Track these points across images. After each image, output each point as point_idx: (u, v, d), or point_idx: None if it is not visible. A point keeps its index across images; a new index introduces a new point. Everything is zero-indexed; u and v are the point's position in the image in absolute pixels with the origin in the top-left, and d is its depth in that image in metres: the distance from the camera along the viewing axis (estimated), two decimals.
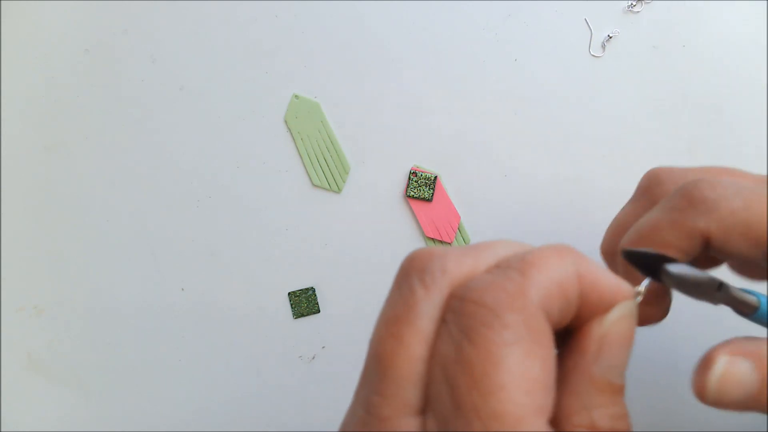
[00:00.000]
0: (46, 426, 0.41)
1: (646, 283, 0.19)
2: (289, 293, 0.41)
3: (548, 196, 0.40)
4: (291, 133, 0.41)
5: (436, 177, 0.40)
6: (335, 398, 0.40)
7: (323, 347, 0.41)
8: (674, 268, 0.20)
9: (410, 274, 0.17)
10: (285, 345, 0.41)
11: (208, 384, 0.41)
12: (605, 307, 0.17)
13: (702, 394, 0.20)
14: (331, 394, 0.40)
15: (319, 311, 0.41)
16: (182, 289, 0.41)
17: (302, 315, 0.41)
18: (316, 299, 0.41)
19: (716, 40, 0.40)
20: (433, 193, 0.40)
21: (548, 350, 0.15)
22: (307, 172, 0.41)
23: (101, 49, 0.42)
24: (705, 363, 0.20)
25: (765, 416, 0.38)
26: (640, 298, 0.18)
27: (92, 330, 0.41)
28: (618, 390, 0.17)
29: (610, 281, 0.17)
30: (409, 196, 0.40)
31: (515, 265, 0.16)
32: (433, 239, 0.40)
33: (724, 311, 0.38)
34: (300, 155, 0.41)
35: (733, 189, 0.20)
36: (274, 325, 0.41)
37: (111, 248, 0.42)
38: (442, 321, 0.16)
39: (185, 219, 0.41)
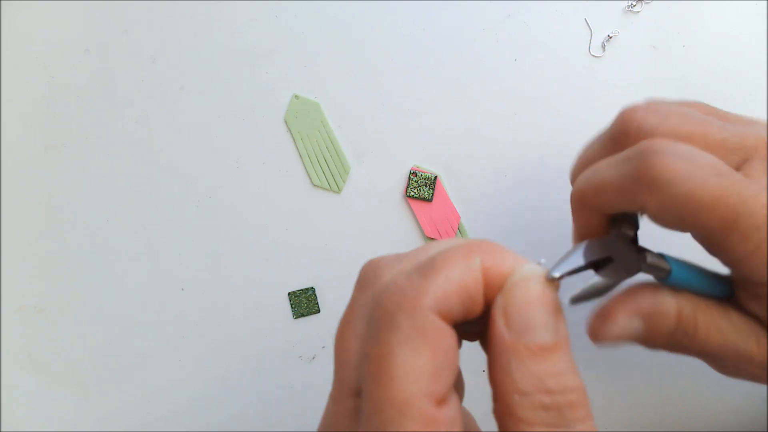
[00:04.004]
0: (46, 426, 0.41)
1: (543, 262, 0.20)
2: (289, 293, 0.41)
3: (548, 196, 0.40)
4: (291, 133, 0.41)
5: (436, 177, 0.40)
6: None
7: (323, 347, 0.41)
8: (576, 296, 0.22)
9: (357, 281, 0.20)
10: (285, 345, 0.41)
11: (208, 384, 0.41)
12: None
13: (595, 338, 0.23)
14: None
15: (319, 311, 0.41)
16: (182, 289, 0.41)
17: (302, 315, 0.41)
18: (316, 299, 0.41)
19: (716, 40, 0.40)
20: (433, 193, 0.40)
21: (438, 344, 0.17)
22: (307, 172, 0.41)
23: (101, 49, 0.42)
24: (604, 315, 0.23)
25: (765, 416, 0.38)
26: (543, 260, 0.19)
27: (92, 330, 0.41)
28: (539, 351, 0.17)
29: (512, 263, 0.19)
30: (409, 196, 0.40)
31: (422, 269, 0.18)
32: (433, 239, 0.40)
33: None
34: (300, 155, 0.41)
35: (687, 171, 0.20)
36: (274, 325, 0.41)
37: (111, 248, 0.42)
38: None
39: (185, 219, 0.41)
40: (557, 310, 0.18)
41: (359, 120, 0.41)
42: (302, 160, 0.41)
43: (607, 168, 0.23)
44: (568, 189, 0.40)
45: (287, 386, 0.41)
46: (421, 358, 0.17)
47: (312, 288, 0.41)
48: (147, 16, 0.42)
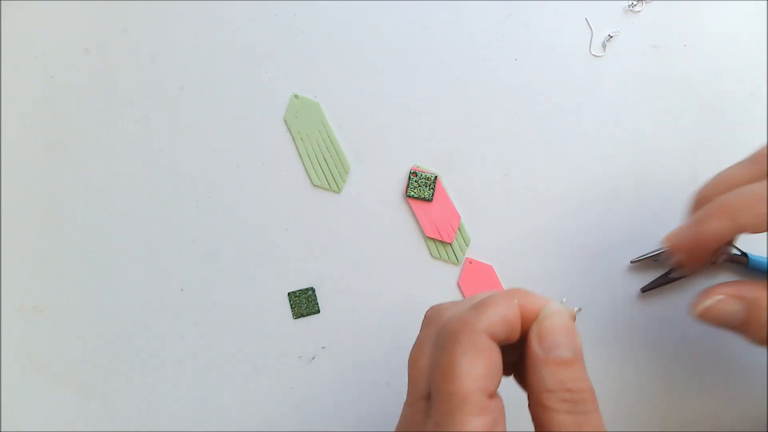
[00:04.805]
0: (46, 426, 0.41)
1: (564, 300, 0.27)
2: (289, 293, 0.41)
3: (548, 196, 0.40)
4: (291, 133, 0.41)
5: (436, 177, 0.40)
6: (335, 398, 0.40)
7: (323, 347, 0.41)
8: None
9: (423, 320, 0.28)
10: (285, 345, 0.41)
11: (208, 384, 0.41)
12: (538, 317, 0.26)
13: (694, 311, 0.30)
14: (331, 394, 0.40)
15: (319, 311, 0.41)
16: (182, 289, 0.41)
17: (302, 315, 0.41)
18: (316, 299, 0.41)
19: (716, 40, 0.40)
20: (433, 193, 0.40)
21: (489, 356, 0.24)
22: (307, 172, 0.41)
23: (101, 49, 0.42)
24: (707, 292, 0.30)
25: (765, 416, 0.38)
26: (564, 299, 0.27)
27: (92, 330, 0.41)
28: (562, 363, 0.24)
29: (542, 303, 0.26)
30: (409, 196, 0.40)
31: (476, 306, 0.25)
32: (433, 239, 0.40)
33: None
34: (300, 155, 0.41)
35: None
36: (273, 325, 0.41)
37: (111, 248, 0.42)
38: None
39: (185, 219, 0.41)
40: (575, 334, 0.25)
41: (359, 120, 0.41)
42: (302, 160, 0.41)
43: (755, 190, 0.29)
44: (569, 189, 0.40)
45: (287, 386, 0.41)
46: (478, 365, 0.23)
47: (312, 288, 0.41)
48: (147, 16, 0.42)
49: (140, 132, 0.42)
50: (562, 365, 0.24)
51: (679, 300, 0.39)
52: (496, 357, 0.24)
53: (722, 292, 0.29)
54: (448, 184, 0.41)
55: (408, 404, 0.26)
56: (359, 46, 0.41)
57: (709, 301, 0.29)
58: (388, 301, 0.40)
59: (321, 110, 0.41)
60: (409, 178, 0.40)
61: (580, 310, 0.26)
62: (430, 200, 0.40)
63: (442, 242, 0.40)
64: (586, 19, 0.40)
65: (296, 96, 0.41)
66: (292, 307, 0.41)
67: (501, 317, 0.25)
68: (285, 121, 0.41)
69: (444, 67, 0.41)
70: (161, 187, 0.42)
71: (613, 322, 0.39)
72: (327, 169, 0.41)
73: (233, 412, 0.41)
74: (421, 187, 0.40)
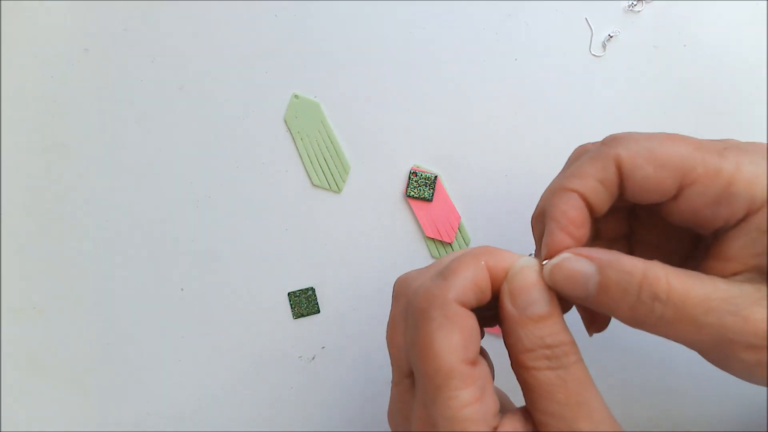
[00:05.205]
0: (46, 426, 0.41)
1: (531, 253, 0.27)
2: (289, 293, 0.41)
3: None
4: (291, 133, 0.41)
5: (436, 177, 0.40)
6: (335, 398, 0.40)
7: (323, 347, 0.41)
8: None
9: (393, 295, 0.27)
10: (285, 345, 0.41)
11: (208, 384, 0.41)
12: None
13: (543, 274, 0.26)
14: (331, 394, 0.40)
15: (319, 311, 0.41)
16: (182, 289, 0.41)
17: (302, 315, 0.41)
18: (316, 299, 0.41)
19: (716, 40, 0.40)
20: (433, 193, 0.40)
21: (463, 325, 0.23)
22: (307, 172, 0.41)
23: (101, 49, 0.42)
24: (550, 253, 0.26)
25: (765, 416, 0.38)
26: (531, 254, 0.27)
27: (92, 330, 0.41)
28: (538, 319, 0.24)
29: (510, 260, 0.25)
30: (409, 196, 0.40)
31: (443, 273, 0.24)
32: (433, 239, 0.40)
33: None
34: (300, 155, 0.41)
35: (641, 134, 0.26)
36: (273, 325, 0.41)
37: (110, 248, 0.42)
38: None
39: (185, 219, 0.41)
40: (547, 288, 0.24)
41: (359, 120, 0.41)
42: (302, 160, 0.41)
43: (579, 160, 0.28)
44: None
45: (287, 386, 0.41)
46: (454, 337, 0.23)
47: (312, 288, 0.41)
48: (147, 16, 0.42)
49: (140, 132, 0.42)
50: (538, 322, 0.24)
51: None
52: (471, 324, 0.23)
53: (570, 252, 0.25)
54: (448, 184, 0.41)
55: (394, 383, 0.26)
56: (359, 46, 0.41)
57: (557, 258, 0.24)
58: (388, 301, 0.40)
59: (321, 110, 0.41)
60: (409, 178, 0.40)
61: (547, 260, 0.25)
62: (430, 200, 0.40)
63: (442, 242, 0.40)
64: (586, 19, 0.40)
65: (296, 96, 0.41)
66: (292, 307, 0.41)
67: (470, 282, 0.24)
68: (285, 121, 0.41)
69: (444, 67, 0.41)
70: (161, 186, 0.42)
71: (612, 322, 0.39)
72: (327, 169, 0.41)
73: (233, 412, 0.41)
74: (421, 187, 0.40)
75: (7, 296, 0.42)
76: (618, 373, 0.39)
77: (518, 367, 0.24)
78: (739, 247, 0.24)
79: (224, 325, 0.41)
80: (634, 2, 0.40)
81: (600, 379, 0.39)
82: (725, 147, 0.25)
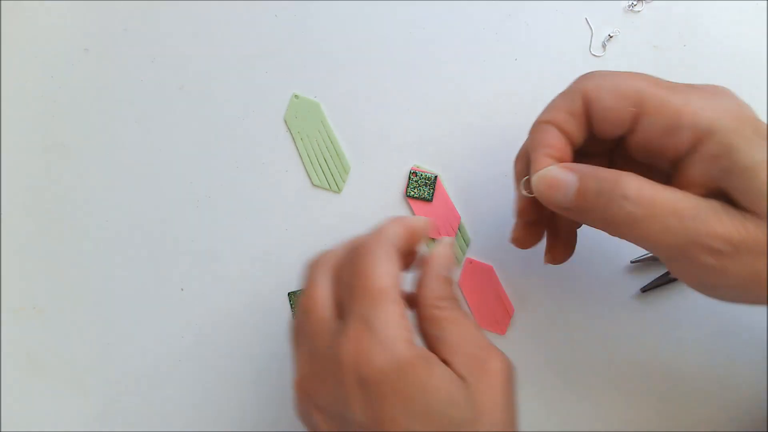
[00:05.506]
0: (46, 426, 0.41)
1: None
2: (289, 293, 0.41)
3: None
4: (291, 133, 0.41)
5: (436, 177, 0.40)
6: None
7: None
8: None
9: (310, 270, 0.30)
10: (285, 345, 0.41)
11: (208, 384, 0.41)
12: (424, 239, 0.31)
13: (532, 185, 0.30)
14: None
15: None
16: (182, 290, 0.41)
17: None
18: None
19: (716, 40, 0.40)
20: (433, 193, 0.40)
21: (396, 262, 0.28)
22: (307, 172, 0.41)
23: (101, 49, 0.42)
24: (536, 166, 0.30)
25: (765, 416, 0.38)
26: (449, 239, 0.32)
27: (92, 330, 0.41)
28: (448, 280, 0.30)
29: (418, 223, 0.30)
30: (409, 196, 0.40)
31: (376, 230, 0.29)
32: (433, 239, 0.40)
33: (727, 321, 0.38)
34: (300, 155, 0.41)
35: (609, 71, 0.29)
36: (274, 325, 0.41)
37: (110, 248, 0.42)
38: (336, 270, 0.29)
39: (185, 219, 0.41)
40: (452, 261, 0.31)
41: (359, 120, 0.41)
42: (302, 160, 0.41)
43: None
44: None
45: (287, 387, 0.41)
46: (392, 266, 0.28)
47: None
48: (147, 16, 0.42)
49: (140, 132, 0.42)
50: (448, 281, 0.30)
51: (680, 300, 0.39)
52: (399, 264, 0.29)
53: (554, 165, 0.29)
54: (448, 184, 0.41)
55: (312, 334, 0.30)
56: (359, 46, 0.41)
57: (543, 170, 0.29)
58: None
59: (321, 110, 0.41)
60: (409, 178, 0.40)
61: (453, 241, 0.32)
62: (430, 200, 0.40)
63: None
64: (586, 19, 0.40)
65: (296, 96, 0.41)
66: (292, 307, 0.41)
67: (401, 231, 0.29)
68: (285, 121, 0.41)
69: (444, 67, 0.41)
70: (161, 186, 0.42)
71: (613, 322, 0.39)
72: (327, 169, 0.41)
73: (233, 412, 0.41)
74: (421, 187, 0.40)
75: (7, 296, 0.42)
76: (618, 372, 0.39)
77: (431, 309, 0.29)
78: (696, 175, 0.27)
79: (224, 325, 0.41)
80: (634, 2, 0.40)
81: (600, 378, 0.39)
82: (683, 86, 0.28)
